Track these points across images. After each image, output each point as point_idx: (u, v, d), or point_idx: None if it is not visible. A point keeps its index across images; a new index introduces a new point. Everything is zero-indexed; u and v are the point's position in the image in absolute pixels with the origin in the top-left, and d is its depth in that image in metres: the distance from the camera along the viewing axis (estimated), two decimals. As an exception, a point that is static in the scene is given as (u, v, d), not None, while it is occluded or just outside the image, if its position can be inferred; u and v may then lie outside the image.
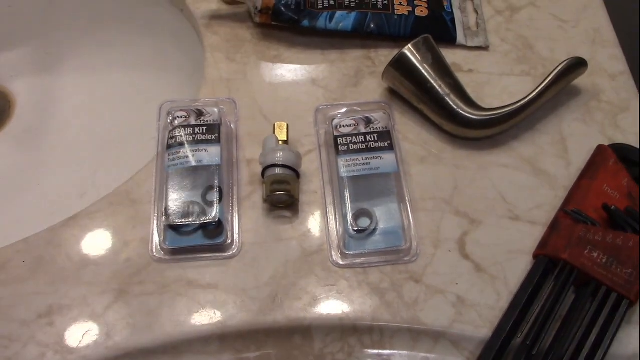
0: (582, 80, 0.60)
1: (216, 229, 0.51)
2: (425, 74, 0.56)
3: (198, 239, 0.51)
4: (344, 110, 0.58)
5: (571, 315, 0.48)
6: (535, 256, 0.51)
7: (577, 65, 0.58)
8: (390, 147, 0.54)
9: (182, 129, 0.54)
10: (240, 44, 0.64)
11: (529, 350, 0.46)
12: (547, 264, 0.50)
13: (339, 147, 0.54)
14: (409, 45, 0.57)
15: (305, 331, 0.49)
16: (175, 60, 0.73)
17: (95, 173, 0.70)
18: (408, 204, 0.53)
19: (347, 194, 0.52)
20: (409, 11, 0.63)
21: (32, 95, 0.77)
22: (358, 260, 0.51)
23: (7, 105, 0.76)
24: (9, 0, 0.77)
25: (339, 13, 0.62)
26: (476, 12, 0.66)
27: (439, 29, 0.63)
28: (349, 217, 0.52)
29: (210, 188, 0.52)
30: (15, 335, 0.47)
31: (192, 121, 0.54)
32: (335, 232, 0.52)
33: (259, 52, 0.63)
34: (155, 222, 0.52)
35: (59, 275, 0.50)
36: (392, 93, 0.60)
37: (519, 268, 0.51)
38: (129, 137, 0.71)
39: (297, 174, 0.53)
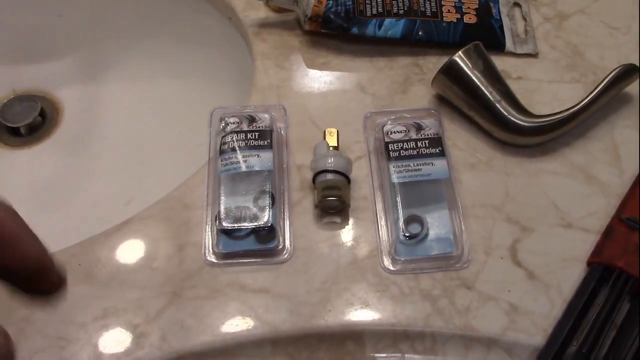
0: (634, 87, 0.59)
1: (268, 234, 0.51)
2: (476, 81, 0.56)
3: (250, 243, 0.51)
4: (392, 117, 0.58)
5: (627, 324, 0.47)
6: (590, 264, 0.50)
7: (629, 71, 0.57)
8: (442, 154, 0.54)
9: (235, 134, 0.54)
10: (289, 51, 0.64)
11: (585, 358, 0.45)
12: (602, 272, 0.49)
13: (391, 152, 0.54)
14: (460, 52, 0.57)
15: (357, 337, 0.49)
16: (223, 68, 0.74)
17: (142, 180, 0.71)
18: (459, 210, 0.53)
19: (398, 200, 0.52)
20: (457, 18, 0.63)
21: (80, 103, 0.79)
22: (409, 266, 0.51)
23: (56, 113, 0.77)
24: (59, 10, 0.78)
25: (387, 20, 0.62)
26: (524, 19, 0.66)
27: (487, 36, 0.63)
28: (400, 222, 0.52)
29: (262, 193, 0.52)
30: (72, 336, 0.48)
31: (245, 127, 0.55)
32: (386, 238, 0.52)
33: (307, 59, 0.64)
34: (208, 226, 0.52)
35: (113, 278, 0.51)
36: (440, 100, 0.60)
37: (572, 276, 0.50)
38: (176, 144, 0.72)
39: (348, 180, 0.53)
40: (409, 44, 0.63)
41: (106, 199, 0.70)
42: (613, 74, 0.57)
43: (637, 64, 0.58)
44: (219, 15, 0.72)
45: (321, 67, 0.63)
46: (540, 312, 0.49)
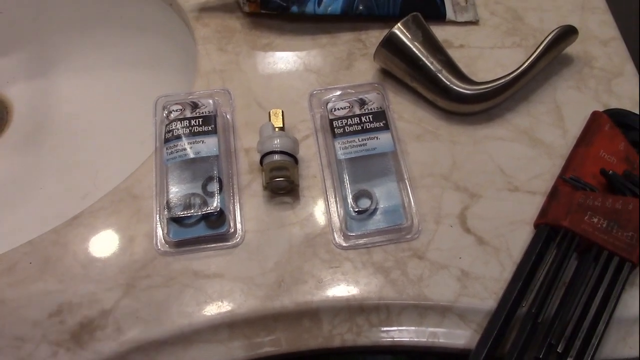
0: (573, 48, 0.60)
1: (218, 218, 0.51)
2: (417, 52, 0.57)
3: (201, 229, 0.51)
4: (338, 93, 0.58)
5: (575, 281, 0.48)
6: (537, 225, 0.51)
7: (567, 33, 0.58)
8: (386, 127, 0.54)
9: (178, 122, 0.54)
10: (231, 34, 0.64)
11: (534, 318, 0.46)
12: (548, 233, 0.50)
13: (335, 130, 0.54)
14: (399, 24, 0.57)
15: (313, 314, 0.49)
16: (168, 55, 0.74)
17: (97, 173, 0.71)
18: (407, 182, 0.53)
19: (345, 176, 0.53)
20: (397, -10, 0.63)
21: (29, 99, 0.77)
22: (361, 241, 0.51)
23: (5, 112, 0.76)
24: (-1, 7, 0.77)
25: (327, -3, 0.62)
26: (464, -13, 0.66)
27: (428, 7, 0.63)
28: (349, 198, 0.52)
29: (210, 179, 0.52)
30: (27, 335, 0.48)
31: (188, 114, 0.55)
32: (337, 215, 0.52)
33: (250, 41, 0.63)
34: (158, 216, 0.52)
35: (66, 274, 0.50)
36: (385, 74, 0.60)
37: (521, 238, 0.51)
38: (127, 135, 0.72)
39: (295, 160, 0.53)
40: (351, 19, 0.63)
41: (63, 194, 0.70)
42: (551, 36, 0.57)
43: (575, 25, 0.58)
44: (160, 2, 0.71)
45: (264, 48, 0.63)
46: (491, 276, 0.50)
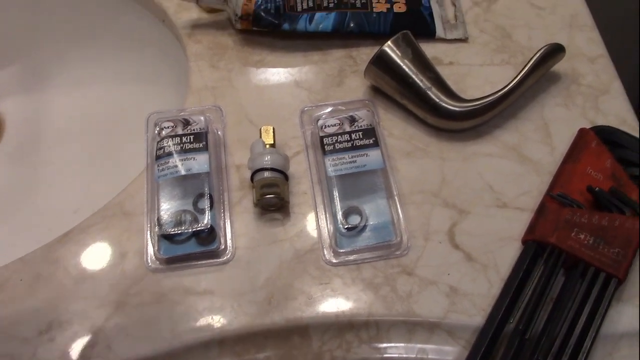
0: (561, 66, 0.61)
1: (209, 235, 0.52)
2: (406, 69, 0.57)
3: (192, 246, 0.51)
4: (328, 110, 0.59)
5: (562, 297, 0.48)
6: (524, 242, 0.52)
7: (554, 51, 0.59)
8: (376, 144, 0.55)
9: (170, 139, 0.55)
10: (223, 51, 0.64)
11: (522, 334, 0.46)
12: (535, 249, 0.50)
13: (325, 147, 0.55)
14: (389, 42, 0.58)
15: (303, 330, 0.49)
16: (160, 71, 0.74)
17: (89, 187, 0.71)
18: (396, 198, 0.54)
19: (335, 193, 0.53)
20: (387, 8, 0.64)
21: (21, 113, 0.78)
22: (350, 257, 0.52)
23: (-2, 125, 0.76)
24: (-8, 21, 0.77)
25: (318, 14, 0.63)
26: (454, 5, 0.67)
27: (418, 24, 0.64)
28: (339, 215, 0.52)
29: (200, 196, 0.52)
30: (17, 353, 0.48)
31: (179, 131, 0.55)
32: (327, 231, 0.53)
33: (242, 57, 0.64)
34: (149, 232, 0.52)
35: (57, 291, 0.51)
36: (375, 90, 0.61)
37: (509, 255, 0.52)
38: (119, 150, 0.72)
39: (286, 176, 0.54)
40: (342, 36, 0.64)
41: (55, 208, 0.70)
42: (538, 54, 0.58)
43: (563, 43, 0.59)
44: (153, 18, 0.71)
45: (256, 64, 0.63)
46: (480, 292, 0.50)
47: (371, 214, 0.53)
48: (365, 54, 0.64)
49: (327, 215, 0.53)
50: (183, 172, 0.53)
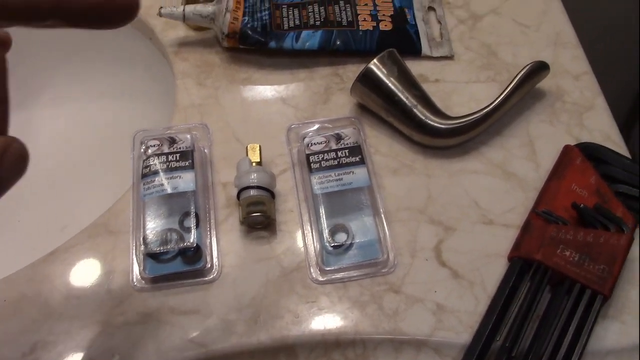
0: (546, 83, 0.61)
1: (195, 254, 0.51)
2: (392, 87, 0.57)
3: (178, 265, 0.51)
4: (315, 127, 0.59)
5: (548, 314, 0.49)
6: (510, 259, 0.52)
7: (539, 68, 0.59)
8: (362, 162, 0.55)
9: (156, 157, 0.54)
10: (210, 68, 0.65)
11: (508, 352, 0.46)
12: (521, 266, 0.51)
13: (311, 164, 0.55)
14: (375, 60, 0.58)
15: (290, 349, 0.49)
16: (147, 89, 0.74)
17: (75, 206, 0.71)
18: (383, 216, 0.54)
19: (322, 211, 0.53)
20: (373, 26, 0.64)
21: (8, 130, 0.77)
22: (337, 275, 0.52)
23: (-17, 143, 0.76)
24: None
25: (304, 32, 0.63)
26: (439, 22, 0.67)
27: (404, 42, 0.64)
28: (325, 233, 0.52)
29: (186, 214, 0.52)
30: (1, 374, 0.47)
31: (165, 149, 0.55)
32: (313, 249, 0.53)
33: (228, 75, 0.64)
34: (134, 251, 0.52)
35: (41, 311, 0.50)
36: (362, 108, 0.61)
37: (495, 271, 0.52)
38: (106, 168, 0.72)
39: (272, 194, 0.54)
40: (328, 54, 0.64)
41: (40, 227, 0.70)
42: (523, 71, 0.58)
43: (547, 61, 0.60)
44: (140, 36, 0.71)
45: (243, 82, 0.64)
46: (466, 309, 0.50)
47: (357, 231, 0.53)
48: (351, 71, 0.64)
49: (314, 233, 0.53)
50: (169, 191, 0.53)
